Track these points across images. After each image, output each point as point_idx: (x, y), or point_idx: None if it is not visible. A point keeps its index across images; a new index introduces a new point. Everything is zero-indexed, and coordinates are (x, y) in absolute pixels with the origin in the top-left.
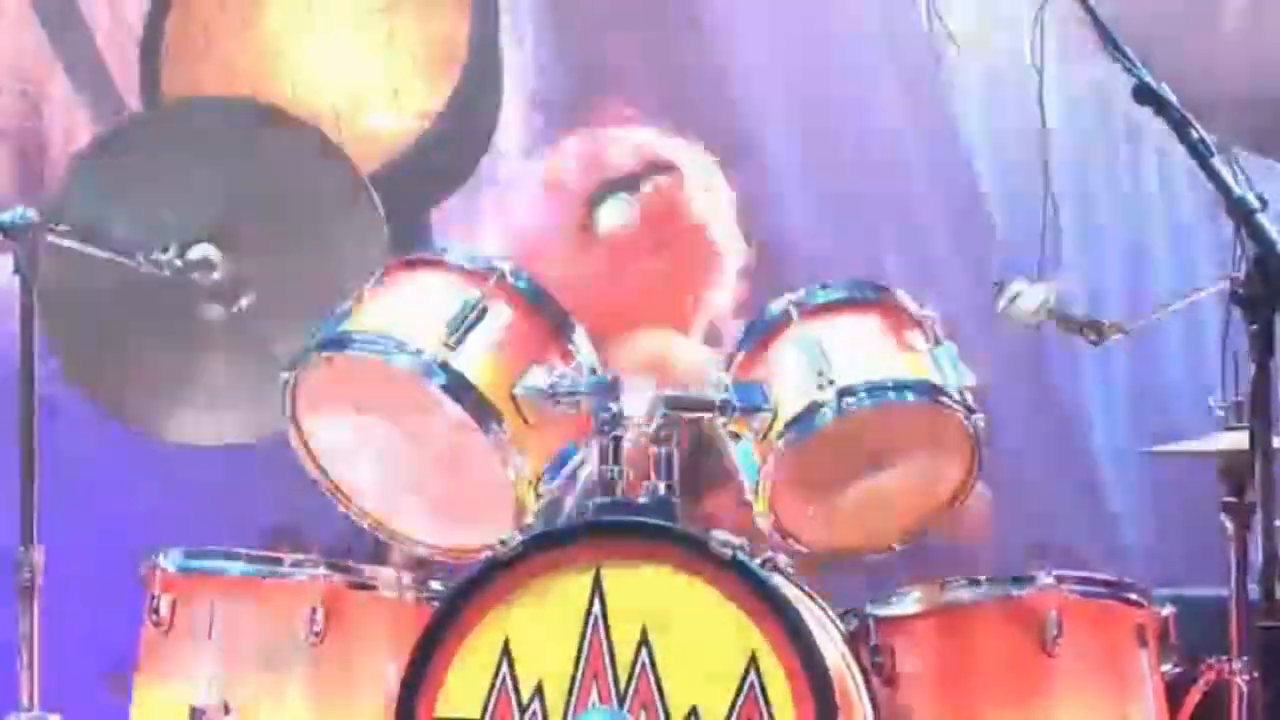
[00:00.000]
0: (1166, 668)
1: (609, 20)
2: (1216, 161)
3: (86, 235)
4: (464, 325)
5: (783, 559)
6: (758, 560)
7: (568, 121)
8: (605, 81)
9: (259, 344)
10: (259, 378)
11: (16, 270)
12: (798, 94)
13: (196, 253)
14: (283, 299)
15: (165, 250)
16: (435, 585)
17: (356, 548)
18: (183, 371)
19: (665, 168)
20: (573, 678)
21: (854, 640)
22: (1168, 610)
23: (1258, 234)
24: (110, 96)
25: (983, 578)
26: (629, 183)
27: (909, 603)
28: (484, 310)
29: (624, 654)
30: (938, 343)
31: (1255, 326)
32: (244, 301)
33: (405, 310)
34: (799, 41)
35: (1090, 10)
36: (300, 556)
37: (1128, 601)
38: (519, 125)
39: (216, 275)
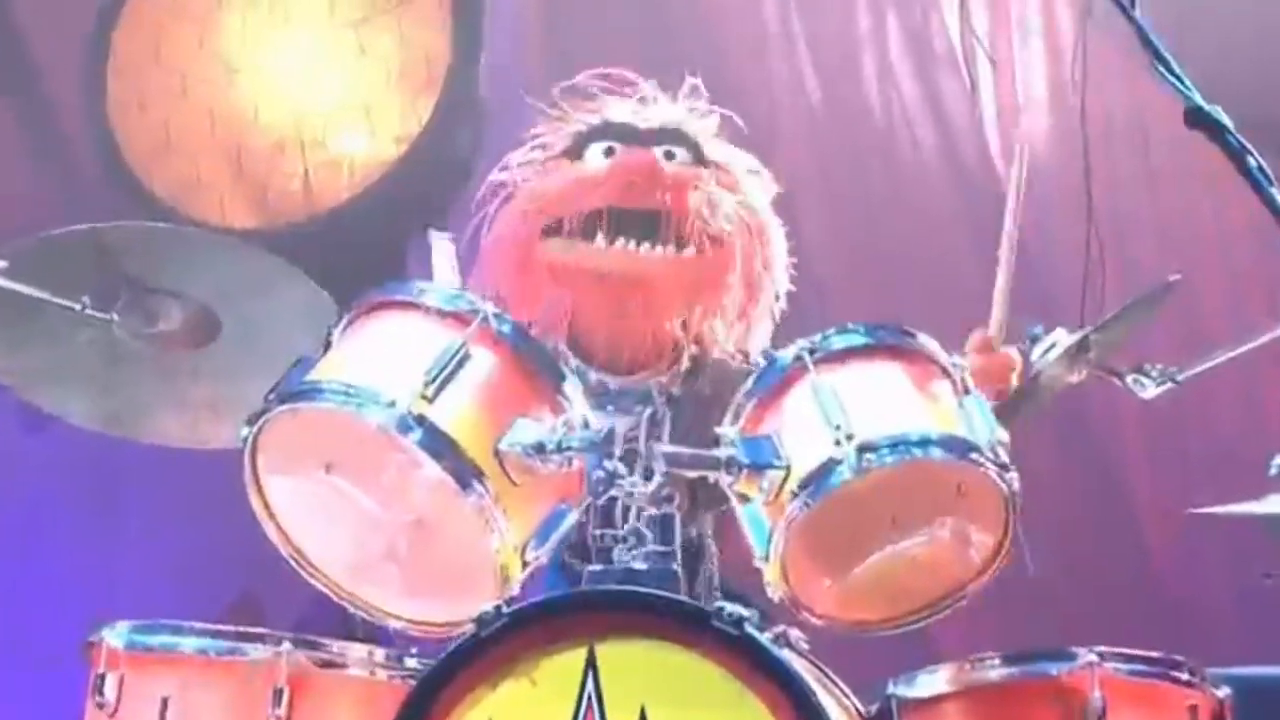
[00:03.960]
0: None
1: None
2: (1276, 192)
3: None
4: (443, 374)
5: (795, 633)
6: (767, 634)
7: None
8: None
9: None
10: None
11: None
12: (825, 127)
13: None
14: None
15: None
16: (411, 663)
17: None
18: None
19: None
20: None
21: None
22: (1223, 692)
23: None
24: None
25: (1017, 654)
26: None
27: (935, 682)
28: (465, 357)
29: None
30: (967, 393)
31: None
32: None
33: (377, 358)
34: (826, 69)
35: (1139, 26)
36: (262, 631)
37: (1178, 681)
38: None
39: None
